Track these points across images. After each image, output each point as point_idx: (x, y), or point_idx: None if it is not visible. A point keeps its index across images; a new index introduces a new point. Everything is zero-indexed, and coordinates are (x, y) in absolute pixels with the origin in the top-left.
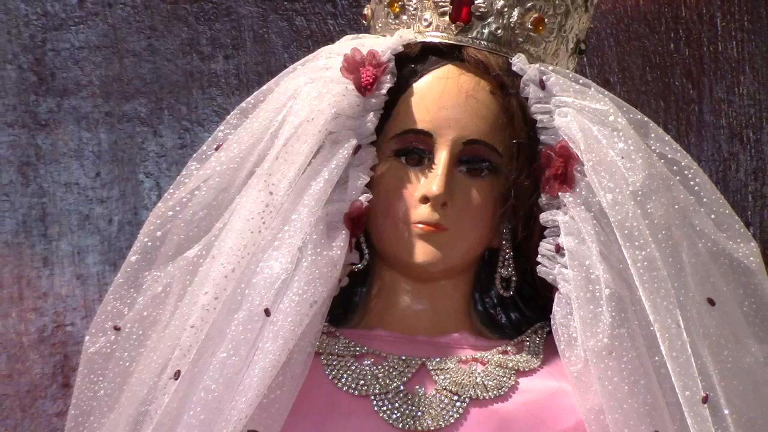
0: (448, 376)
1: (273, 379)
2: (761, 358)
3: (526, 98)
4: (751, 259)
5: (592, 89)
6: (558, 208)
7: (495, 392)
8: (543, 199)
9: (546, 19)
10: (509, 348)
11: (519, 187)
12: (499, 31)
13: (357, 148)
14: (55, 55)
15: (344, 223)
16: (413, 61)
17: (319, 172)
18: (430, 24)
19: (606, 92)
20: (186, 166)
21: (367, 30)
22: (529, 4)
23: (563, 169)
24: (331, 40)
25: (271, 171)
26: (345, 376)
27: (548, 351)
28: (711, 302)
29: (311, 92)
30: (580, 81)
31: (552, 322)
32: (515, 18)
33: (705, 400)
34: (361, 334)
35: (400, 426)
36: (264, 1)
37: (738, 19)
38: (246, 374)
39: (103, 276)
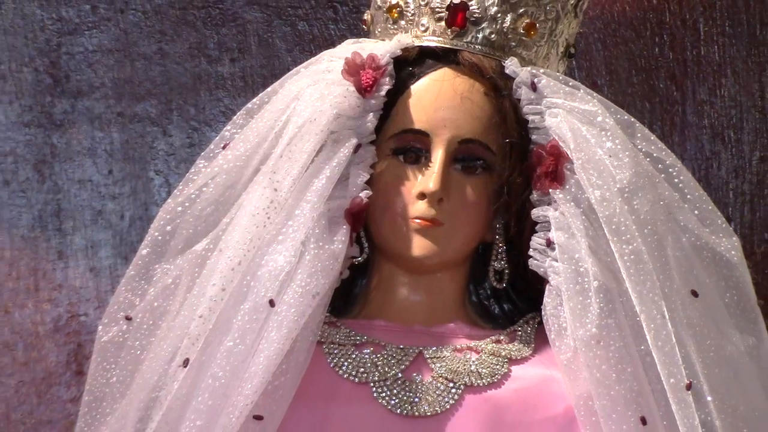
0: (444, 364)
1: (277, 367)
2: (742, 348)
3: (519, 99)
4: (733, 253)
5: (581, 91)
6: (549, 204)
7: (489, 379)
8: (534, 195)
9: (537, 25)
10: (502, 337)
11: (512, 184)
12: (493, 36)
13: (357, 147)
14: (70, 59)
15: (345, 218)
16: (411, 64)
17: (321, 169)
18: (427, 29)
19: (594, 94)
20: (194, 164)
21: (366, 34)
22: (521, 10)
23: (554, 167)
24: (333, 44)
25: (276, 169)
26: (346, 364)
27: (539, 340)
28: (694, 294)
29: (314, 94)
30: (570, 83)
31: (543, 312)
32: (508, 23)
33: (689, 387)
34: (361, 324)
35: (399, 411)
36: (268, 7)
37: (720, 24)
38: (251, 362)
39: (115, 269)
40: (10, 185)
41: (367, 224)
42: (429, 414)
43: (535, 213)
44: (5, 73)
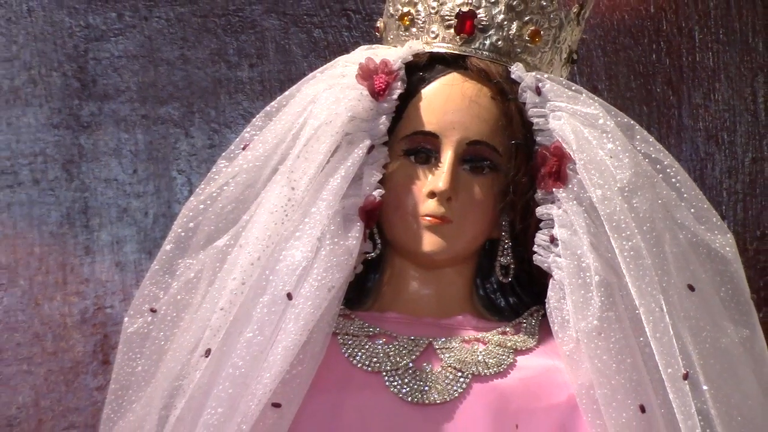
0: (453, 354)
1: (294, 357)
2: (736, 339)
3: (524, 103)
4: (727, 249)
5: (584, 95)
6: (552, 202)
7: (495, 369)
8: (539, 194)
9: (542, 32)
10: (508, 329)
11: (517, 183)
12: (500, 43)
13: (370, 148)
14: (97, 64)
15: (359, 215)
16: (421, 69)
17: (337, 169)
18: (437, 36)
19: (595, 98)
20: (215, 164)
21: (379, 41)
22: (526, 18)
23: (557, 168)
24: (347, 50)
25: (293, 168)
26: (359, 354)
27: (543, 332)
28: (691, 288)
29: (329, 97)
30: (573, 87)
31: (547, 305)
32: (514, 30)
33: (685, 377)
34: (374, 316)
35: (409, 399)
36: (285, 15)
37: (714, 32)
38: (270, 352)
39: (139, 263)
40: (40, 184)
41: (379, 221)
42: (438, 402)
43: (540, 211)
44: (35, 77)
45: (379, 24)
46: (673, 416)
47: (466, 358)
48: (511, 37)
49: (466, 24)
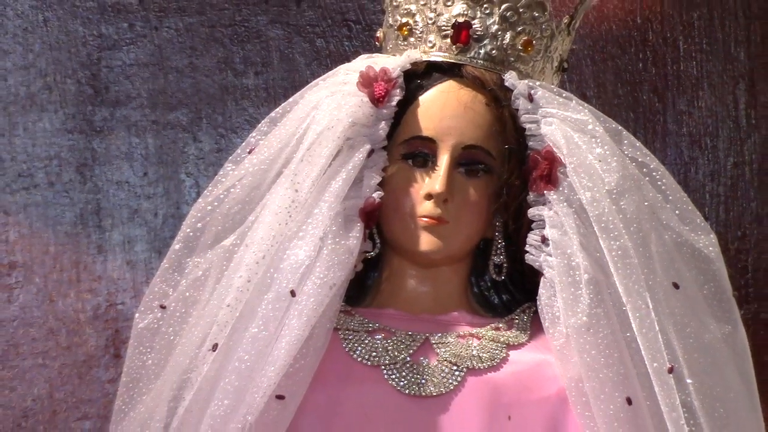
0: (449, 349)
1: (298, 351)
2: (719, 335)
3: (517, 109)
4: (711, 249)
5: (574, 102)
6: (544, 204)
7: (488, 363)
8: (531, 196)
9: (534, 42)
10: (501, 325)
11: (510, 186)
12: (494, 52)
13: (370, 152)
14: (109, 71)
15: (359, 216)
16: (419, 77)
17: (338, 172)
18: (434, 45)
19: (585, 104)
20: (222, 167)
21: (379, 50)
22: (519, 29)
23: (548, 171)
24: (348, 59)
25: (297, 171)
26: (359, 348)
27: (535, 328)
28: (676, 286)
29: (331, 104)
30: (563, 95)
31: (538, 302)
32: (507, 40)
33: (671, 370)
34: (374, 312)
35: (407, 392)
36: (289, 25)
37: (698, 42)
38: (274, 347)
39: (149, 262)
40: (55, 186)
41: (379, 222)
42: (434, 394)
43: (532, 212)
44: (50, 84)
45: (379, 34)
46: (658, 408)
47: (461, 352)
48: (504, 46)
49: (461, 34)
